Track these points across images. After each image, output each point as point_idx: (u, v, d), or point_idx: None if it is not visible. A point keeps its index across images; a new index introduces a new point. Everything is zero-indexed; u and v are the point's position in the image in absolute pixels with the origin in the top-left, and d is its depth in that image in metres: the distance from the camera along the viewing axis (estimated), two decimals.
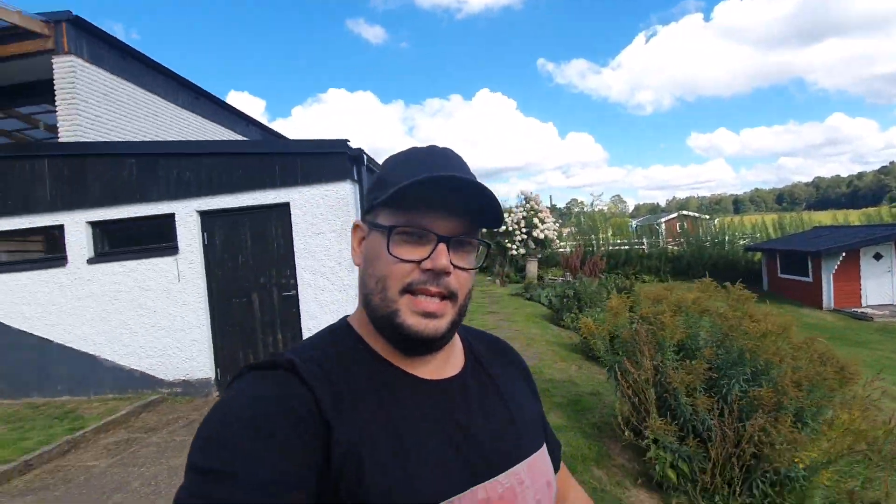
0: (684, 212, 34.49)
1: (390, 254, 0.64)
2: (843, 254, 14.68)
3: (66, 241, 6.27)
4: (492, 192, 0.65)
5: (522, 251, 16.59)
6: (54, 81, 8.32)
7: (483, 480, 0.64)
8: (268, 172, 5.92)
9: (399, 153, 0.71)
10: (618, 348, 4.18)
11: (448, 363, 0.73)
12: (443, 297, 0.65)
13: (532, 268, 17.51)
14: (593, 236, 23.40)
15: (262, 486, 0.50)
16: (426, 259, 0.64)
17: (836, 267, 14.74)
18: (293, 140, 7.32)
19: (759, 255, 19.76)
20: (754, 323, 3.41)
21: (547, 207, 17.89)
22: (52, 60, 8.30)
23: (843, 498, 3.24)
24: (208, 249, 6.10)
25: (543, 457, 0.76)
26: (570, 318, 8.53)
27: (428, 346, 0.68)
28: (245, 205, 5.97)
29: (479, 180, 0.65)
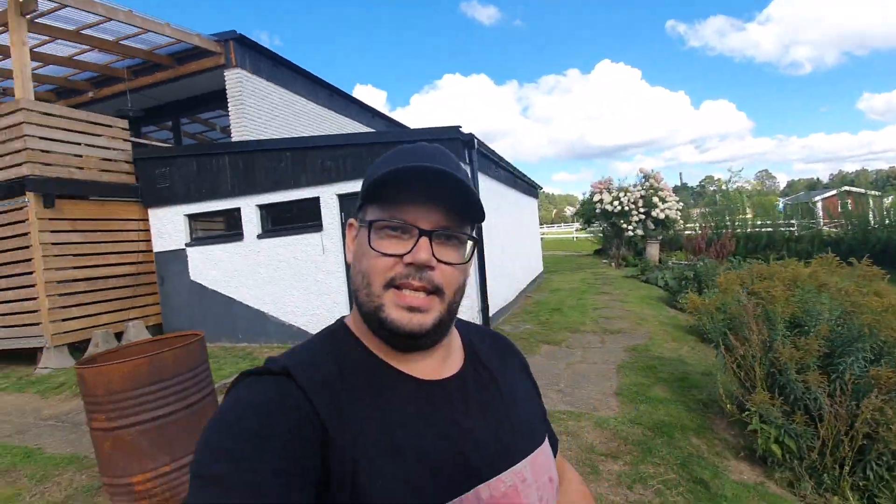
0: (847, 188, 29.17)
1: (371, 248, 0.65)
2: None
3: (242, 220, 7.86)
4: (468, 185, 0.65)
5: (640, 232, 15.79)
6: (227, 91, 10.20)
7: (485, 480, 0.64)
8: None
9: (388, 152, 0.71)
10: (725, 323, 4.15)
11: (446, 362, 0.73)
12: (428, 292, 0.65)
13: (653, 250, 16.57)
14: (728, 217, 21.15)
15: (261, 491, 0.50)
16: (407, 253, 0.64)
17: None
18: (412, 129, 8.11)
19: None
20: (878, 299, 3.20)
21: (672, 186, 16.68)
22: (224, 73, 10.17)
23: None
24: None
25: (545, 453, 0.76)
26: (686, 299, 8.18)
27: (415, 340, 0.67)
28: None
29: (457, 173, 0.65)
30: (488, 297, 6.85)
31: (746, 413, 3.62)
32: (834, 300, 3.64)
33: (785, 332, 3.71)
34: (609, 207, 15.71)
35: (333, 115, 13.03)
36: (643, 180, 16.17)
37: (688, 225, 19.04)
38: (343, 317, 0.75)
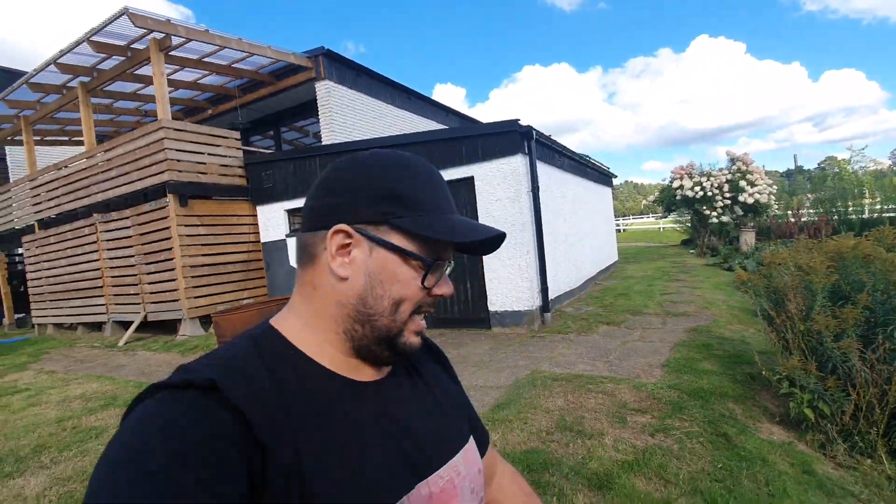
0: None
1: (424, 286, 0.65)
2: None
3: None
4: (502, 239, 0.68)
5: (725, 218, 14.89)
6: (317, 101, 11.53)
7: (425, 476, 0.65)
8: (456, 153, 7.41)
9: (392, 160, 0.67)
10: (768, 295, 4.25)
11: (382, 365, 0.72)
12: None
13: (748, 238, 15.48)
14: (840, 203, 18.98)
15: None
16: (440, 285, 0.68)
17: None
18: (475, 124, 8.68)
19: None
20: None
21: (785, 170, 15.41)
22: (315, 85, 11.50)
23: None
24: None
25: (473, 445, 0.78)
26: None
27: (410, 359, 0.72)
28: (448, 179, 7.62)
29: (497, 231, 0.67)
30: (548, 280, 7.26)
31: (777, 377, 3.76)
32: (880, 273, 3.64)
33: (825, 302, 3.77)
34: (690, 193, 15.00)
35: (411, 115, 14.03)
36: (731, 163, 15.20)
37: (800, 211, 17.44)
38: (267, 321, 0.68)
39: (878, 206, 18.77)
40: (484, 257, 7.25)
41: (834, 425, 3.50)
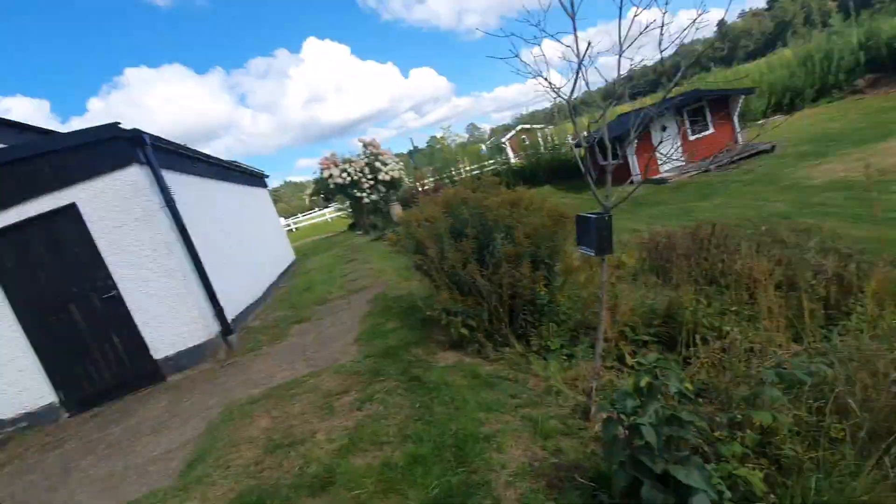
0: (523, 126, 37.39)
1: None
2: (638, 132, 17.54)
3: None
4: None
5: (374, 197, 17.04)
6: None
7: None
8: (37, 178, 5.46)
9: None
10: (413, 247, 4.95)
11: None
12: None
13: (396, 209, 18.10)
14: (446, 170, 24.64)
15: None
16: None
17: (635, 145, 17.60)
18: (60, 134, 6.64)
19: (582, 150, 22.63)
20: (495, 198, 4.33)
21: (407, 151, 18.34)
22: None
23: (576, 309, 4.46)
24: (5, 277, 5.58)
25: None
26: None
27: None
28: (25, 217, 5.50)
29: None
30: (220, 300, 6.42)
31: (436, 311, 4.48)
32: (473, 208, 4.73)
33: (450, 241, 4.67)
34: (340, 180, 16.41)
35: None
36: (364, 149, 17.32)
37: (424, 181, 21.36)
38: None
39: (468, 168, 25.30)
40: (125, 294, 5.77)
41: (481, 333, 4.43)
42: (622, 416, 2.08)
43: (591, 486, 2.40)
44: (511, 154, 28.19)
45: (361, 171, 16.77)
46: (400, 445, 3.04)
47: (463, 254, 4.41)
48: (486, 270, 4.36)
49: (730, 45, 66.19)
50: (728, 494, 2.11)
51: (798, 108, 20.11)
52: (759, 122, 19.83)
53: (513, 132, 37.49)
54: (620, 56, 2.61)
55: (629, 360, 3.91)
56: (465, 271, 4.39)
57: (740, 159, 15.48)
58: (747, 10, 75.11)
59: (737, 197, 11.25)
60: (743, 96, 17.30)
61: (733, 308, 3.97)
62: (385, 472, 2.80)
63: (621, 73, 2.78)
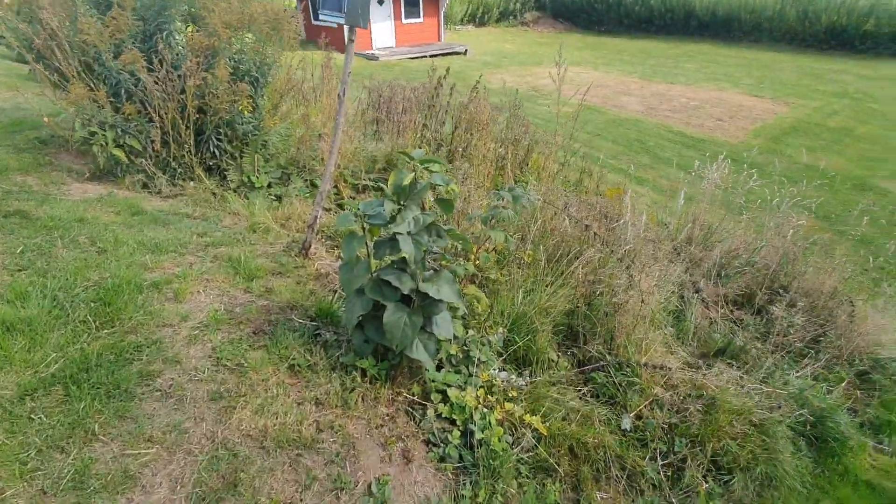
0: None
1: None
2: None
3: None
4: None
5: None
6: None
7: None
8: None
9: None
10: (23, 18, 2.90)
11: None
12: None
13: None
14: None
15: None
16: None
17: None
18: None
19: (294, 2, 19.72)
20: None
21: None
22: None
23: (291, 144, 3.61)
24: None
25: None
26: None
27: None
28: None
29: None
30: None
31: (77, 129, 2.83)
32: None
33: (90, 9, 2.90)
34: None
35: None
36: None
37: None
38: None
39: None
40: None
41: (149, 159, 3.07)
42: (369, 229, 1.56)
43: (313, 326, 1.88)
44: None
45: None
46: None
47: (115, 31, 2.80)
48: (159, 69, 2.91)
49: None
50: (464, 310, 1.97)
51: (486, 23, 22.97)
52: (458, 27, 21.76)
53: None
54: None
55: (348, 205, 3.46)
56: (121, 60, 2.83)
57: (441, 55, 16.68)
58: None
59: None
60: None
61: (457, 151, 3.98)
62: None
63: None
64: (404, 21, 18.14)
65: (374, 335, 1.65)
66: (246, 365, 1.66)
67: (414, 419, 1.68)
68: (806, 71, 13.35)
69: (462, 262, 2.15)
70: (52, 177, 2.95)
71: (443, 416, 1.70)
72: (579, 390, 2.12)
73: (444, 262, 2.09)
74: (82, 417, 1.44)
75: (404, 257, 1.63)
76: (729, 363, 2.70)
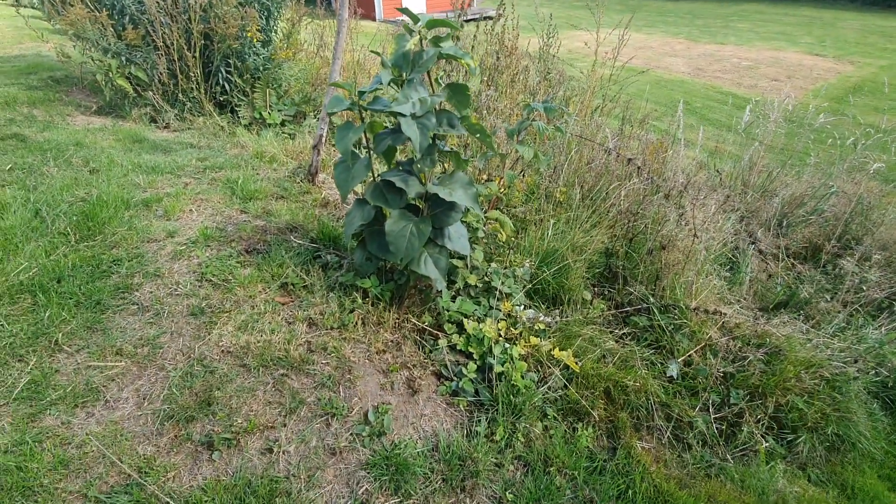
0: None
1: None
2: None
3: None
4: None
5: None
6: None
7: None
8: None
9: None
10: None
11: None
12: None
13: None
14: None
15: None
16: None
17: None
18: None
19: None
20: None
21: None
22: None
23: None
24: None
25: None
26: None
27: None
28: None
29: None
30: None
31: (83, 64, 2.68)
32: None
33: None
34: None
35: None
36: None
37: None
38: None
39: None
40: None
41: (156, 92, 2.90)
42: (371, 117, 1.31)
43: (313, 248, 1.66)
44: None
45: None
46: None
47: None
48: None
49: None
50: (483, 230, 1.71)
51: None
52: None
53: None
54: None
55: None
56: None
57: (472, 20, 16.07)
58: None
59: None
60: None
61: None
62: None
63: None
64: None
65: (376, 250, 1.42)
66: (233, 281, 1.46)
67: (423, 349, 1.45)
68: (872, 29, 12.11)
69: (485, 183, 1.89)
70: (59, 109, 2.83)
71: (457, 347, 1.46)
72: (617, 333, 1.84)
73: (458, 167, 1.82)
74: (47, 326, 1.27)
75: (411, 158, 1.38)
76: (793, 316, 2.35)
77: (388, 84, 1.26)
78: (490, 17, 15.04)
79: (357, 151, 1.37)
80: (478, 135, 1.36)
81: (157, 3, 2.63)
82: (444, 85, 1.33)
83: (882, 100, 8.16)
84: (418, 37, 1.21)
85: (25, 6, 5.55)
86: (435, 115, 1.25)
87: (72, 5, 2.60)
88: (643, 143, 3.23)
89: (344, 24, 1.90)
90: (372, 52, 1.86)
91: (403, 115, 1.20)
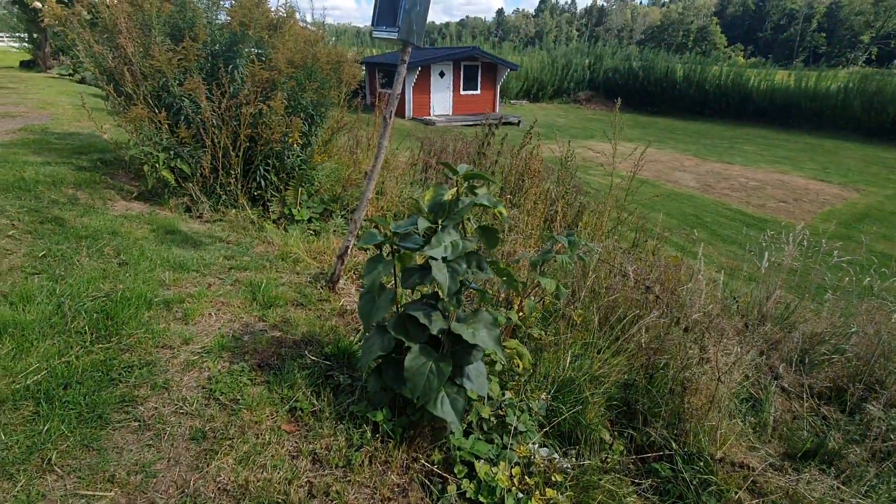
0: None
1: None
2: (419, 69, 17.39)
3: None
4: None
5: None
6: None
7: None
8: None
9: None
10: (99, 36, 3.10)
11: None
12: None
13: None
14: None
15: None
16: None
17: (414, 81, 17.44)
18: None
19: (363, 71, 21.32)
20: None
21: None
22: None
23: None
24: None
25: None
26: None
27: None
28: None
29: None
30: None
31: (131, 148, 2.89)
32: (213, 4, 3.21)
33: (163, 38, 3.05)
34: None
35: None
36: None
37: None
38: None
39: None
40: None
41: (196, 184, 3.07)
42: (400, 251, 1.34)
43: (327, 365, 1.63)
44: None
45: None
46: None
47: (182, 61, 2.90)
48: (219, 98, 2.97)
49: (502, 34, 74.68)
50: (503, 363, 1.67)
51: (539, 100, 23.83)
52: (512, 101, 22.69)
53: None
54: None
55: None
56: (185, 89, 2.91)
57: (494, 124, 17.26)
58: (520, 9, 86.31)
59: None
60: (508, 70, 19.16)
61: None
62: None
63: None
64: (462, 92, 19.08)
65: (392, 382, 1.38)
66: (241, 402, 1.41)
67: (430, 495, 1.34)
68: (874, 159, 12.70)
69: (504, 311, 1.88)
70: (102, 193, 2.98)
71: (466, 495, 1.36)
72: (638, 483, 1.71)
73: (482, 303, 1.82)
74: (43, 442, 1.22)
75: (436, 292, 1.39)
76: (821, 469, 2.18)
77: (424, 231, 1.31)
78: (511, 123, 16.36)
79: (383, 282, 1.38)
80: (504, 278, 1.38)
81: (212, 108, 2.87)
82: (475, 226, 1.38)
83: (890, 228, 8.32)
84: (455, 189, 1.27)
85: (89, 84, 6.01)
86: (465, 257, 1.28)
87: (135, 104, 2.84)
88: (660, 264, 3.27)
89: (382, 151, 2.03)
90: (410, 198, 1.96)
91: (435, 259, 1.23)
